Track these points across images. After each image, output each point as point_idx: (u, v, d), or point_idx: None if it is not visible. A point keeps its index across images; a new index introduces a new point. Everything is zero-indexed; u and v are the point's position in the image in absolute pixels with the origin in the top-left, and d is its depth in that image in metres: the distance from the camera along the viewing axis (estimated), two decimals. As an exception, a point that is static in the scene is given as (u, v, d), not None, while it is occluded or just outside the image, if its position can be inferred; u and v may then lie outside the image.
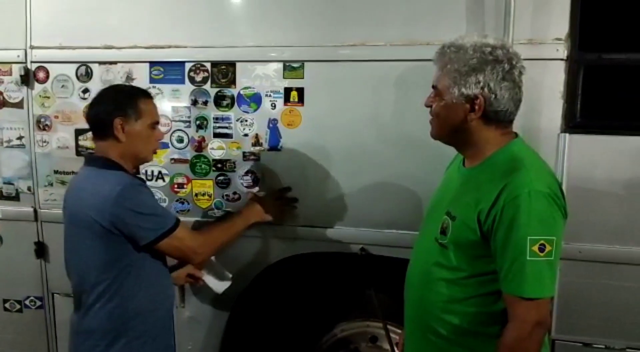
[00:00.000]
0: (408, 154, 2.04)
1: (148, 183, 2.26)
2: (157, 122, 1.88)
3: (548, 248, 1.33)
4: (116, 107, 1.78)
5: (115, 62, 2.25)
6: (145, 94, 1.87)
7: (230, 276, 2.09)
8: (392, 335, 2.21)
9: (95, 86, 2.26)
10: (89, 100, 2.24)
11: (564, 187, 1.85)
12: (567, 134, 1.90)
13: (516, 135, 1.52)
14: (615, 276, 1.94)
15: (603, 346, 2.01)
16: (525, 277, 1.34)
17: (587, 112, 1.90)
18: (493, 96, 1.41)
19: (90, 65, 2.28)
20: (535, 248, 1.32)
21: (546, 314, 1.39)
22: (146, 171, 2.28)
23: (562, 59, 1.88)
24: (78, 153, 2.34)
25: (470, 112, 1.44)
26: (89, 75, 2.29)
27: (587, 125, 1.90)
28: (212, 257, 2.09)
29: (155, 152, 1.93)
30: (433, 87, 1.52)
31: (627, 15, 1.87)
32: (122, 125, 1.77)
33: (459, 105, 1.44)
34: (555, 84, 1.90)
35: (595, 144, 1.90)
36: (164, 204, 2.27)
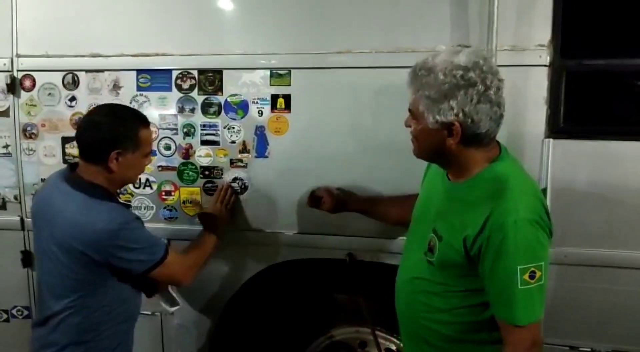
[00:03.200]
0: (396, 160, 2.04)
1: (135, 191, 2.28)
2: (151, 151, 1.85)
3: (538, 274, 1.32)
4: (115, 140, 1.70)
5: (102, 70, 2.25)
6: (145, 122, 1.79)
7: (180, 303, 2.15)
8: (380, 341, 2.22)
9: (82, 94, 2.27)
10: (75, 109, 2.28)
11: (548, 193, 1.88)
12: (550, 140, 1.92)
13: (500, 147, 1.48)
14: (601, 280, 1.96)
15: (589, 349, 2.03)
16: (516, 305, 1.33)
17: (570, 118, 1.92)
18: (469, 120, 1.34)
19: (76, 73, 2.27)
20: (526, 276, 1.31)
21: (538, 333, 1.38)
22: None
23: (544, 65, 1.90)
24: (65, 161, 2.32)
25: (448, 137, 1.38)
26: (75, 83, 2.28)
27: (570, 130, 1.92)
28: None
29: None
30: (409, 110, 1.46)
31: (607, 22, 1.90)
32: (118, 158, 1.71)
33: (436, 131, 1.38)
34: (539, 90, 1.91)
35: (579, 149, 1.92)
36: (151, 212, 2.27)
